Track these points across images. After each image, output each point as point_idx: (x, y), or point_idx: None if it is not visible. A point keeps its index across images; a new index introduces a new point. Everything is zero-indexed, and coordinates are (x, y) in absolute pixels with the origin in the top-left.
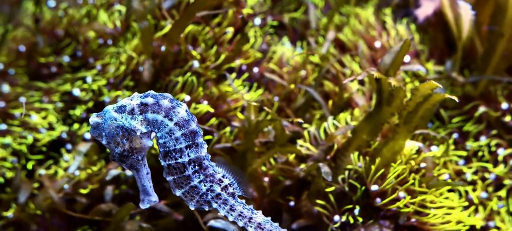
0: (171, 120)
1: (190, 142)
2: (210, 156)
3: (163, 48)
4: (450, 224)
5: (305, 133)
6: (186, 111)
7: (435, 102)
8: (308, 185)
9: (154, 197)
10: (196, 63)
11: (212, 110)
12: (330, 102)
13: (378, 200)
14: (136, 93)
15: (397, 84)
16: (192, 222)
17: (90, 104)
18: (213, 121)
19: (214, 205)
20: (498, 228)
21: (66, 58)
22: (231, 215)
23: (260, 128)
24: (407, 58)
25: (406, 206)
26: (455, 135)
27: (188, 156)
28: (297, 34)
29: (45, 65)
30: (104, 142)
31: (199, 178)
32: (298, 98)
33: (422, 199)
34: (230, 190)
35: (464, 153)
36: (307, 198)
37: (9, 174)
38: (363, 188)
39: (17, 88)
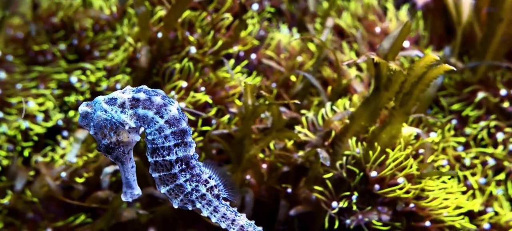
0: (162, 117)
1: (179, 141)
2: (198, 156)
3: (160, 34)
4: (448, 209)
5: (303, 119)
6: (178, 109)
7: (430, 80)
8: (306, 171)
9: (137, 191)
10: (193, 49)
11: (210, 101)
12: (329, 88)
13: (376, 186)
14: (128, 87)
15: (397, 68)
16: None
17: (87, 94)
18: (213, 111)
19: (198, 205)
20: (496, 213)
21: (62, 46)
22: (215, 216)
23: (258, 113)
24: (406, 44)
25: (405, 192)
26: (454, 121)
27: (176, 154)
28: (295, 20)
29: (41, 52)
30: (91, 132)
31: (185, 177)
32: (296, 84)
33: (421, 186)
34: (216, 191)
35: (462, 139)
36: (305, 184)
37: (5, 162)
38: (362, 173)
39: (15, 75)
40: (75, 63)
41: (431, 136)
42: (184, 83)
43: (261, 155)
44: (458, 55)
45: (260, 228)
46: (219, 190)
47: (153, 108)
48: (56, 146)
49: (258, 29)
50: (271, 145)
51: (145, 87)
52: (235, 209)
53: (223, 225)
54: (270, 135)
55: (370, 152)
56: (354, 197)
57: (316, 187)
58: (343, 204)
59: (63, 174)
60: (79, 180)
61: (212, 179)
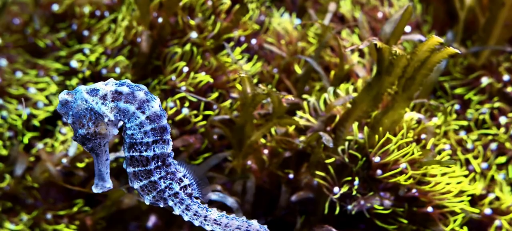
0: (143, 112)
1: (158, 137)
2: (173, 154)
3: (160, 19)
4: (451, 194)
5: (305, 104)
6: (159, 106)
7: (433, 65)
8: (307, 157)
9: (109, 184)
10: (194, 34)
11: (211, 80)
12: (331, 73)
13: (379, 172)
14: (111, 79)
15: (400, 52)
16: None
17: (87, 73)
18: (215, 95)
19: (170, 203)
20: (497, 198)
21: (62, 34)
22: (187, 214)
23: (257, 101)
24: (407, 29)
25: (408, 177)
26: (457, 106)
27: (154, 151)
28: (296, 5)
29: (41, 39)
30: (69, 121)
31: (160, 174)
32: (297, 69)
33: (423, 171)
34: (188, 190)
35: (465, 123)
36: (307, 169)
37: (4, 152)
38: (364, 159)
39: (16, 64)
40: (74, 46)
41: (433, 120)
42: (185, 68)
43: (262, 140)
44: (460, 41)
45: (233, 215)
46: (192, 189)
47: (135, 103)
48: (57, 132)
49: (258, 14)
50: (272, 131)
51: (128, 81)
52: (206, 205)
53: (196, 223)
54: (271, 121)
55: (376, 136)
56: (356, 183)
57: (318, 172)
58: (345, 189)
59: (64, 160)
60: (80, 165)
61: (186, 177)
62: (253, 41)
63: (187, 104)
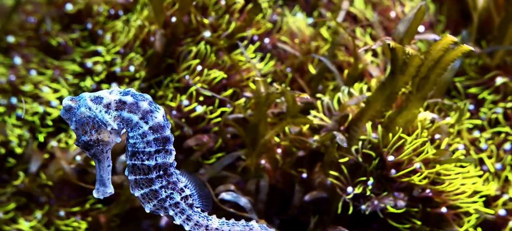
0: (146, 122)
1: (161, 147)
2: (176, 164)
3: (174, 18)
4: (465, 194)
5: (318, 104)
6: (163, 117)
7: (447, 64)
8: (321, 156)
9: (110, 189)
10: (207, 33)
11: (225, 75)
12: (345, 72)
13: (393, 171)
14: (116, 88)
15: (413, 52)
16: None
17: (103, 74)
18: (230, 92)
19: (171, 213)
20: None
21: (75, 34)
22: (188, 224)
23: (271, 100)
24: (421, 29)
25: (423, 177)
26: (470, 106)
27: (156, 160)
28: (309, 4)
29: (55, 38)
30: (72, 127)
31: (161, 183)
32: (311, 69)
33: (438, 170)
34: (190, 201)
35: (478, 122)
36: (320, 169)
37: (18, 150)
38: (378, 158)
39: (31, 64)
40: (87, 48)
41: (447, 119)
42: (199, 66)
43: (276, 139)
44: (475, 40)
45: (232, 220)
46: (193, 200)
47: (139, 113)
48: (71, 130)
49: (271, 13)
50: (286, 129)
51: (132, 90)
52: (206, 213)
53: None
54: (285, 120)
55: (390, 135)
56: (369, 183)
57: (332, 172)
58: (359, 189)
59: (78, 158)
60: (94, 164)
61: (188, 188)
62: (266, 40)
63: (201, 98)
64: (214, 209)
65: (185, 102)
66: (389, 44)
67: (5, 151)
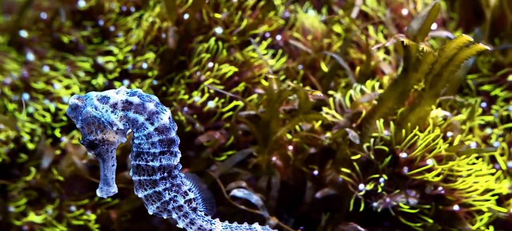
0: (152, 124)
1: (165, 149)
2: (181, 167)
3: (186, 15)
4: (477, 192)
5: (330, 101)
6: (169, 118)
7: (461, 62)
8: (332, 153)
9: (114, 188)
10: (219, 30)
11: (236, 69)
12: (356, 70)
13: (405, 169)
14: (123, 88)
15: (427, 49)
16: (215, 191)
17: (117, 71)
18: (241, 85)
19: (174, 216)
20: None
21: (87, 31)
22: (191, 228)
23: (283, 97)
24: (433, 26)
25: (436, 175)
26: (483, 104)
27: (160, 161)
28: (320, 2)
29: (67, 34)
30: (78, 125)
31: (165, 185)
32: (323, 66)
33: (451, 167)
34: (193, 204)
35: (491, 118)
36: (332, 166)
37: (31, 146)
38: (390, 156)
39: (45, 60)
40: (99, 45)
41: (459, 116)
42: (210, 63)
43: (288, 136)
44: (488, 38)
45: (235, 223)
46: (196, 204)
47: (145, 114)
48: None
49: (283, 10)
50: (297, 127)
51: (139, 91)
52: (209, 217)
53: None
54: (297, 117)
55: (403, 131)
56: (381, 180)
57: (344, 169)
58: (370, 186)
59: (90, 153)
60: None
61: (192, 191)
62: (278, 37)
63: (211, 91)
64: (226, 206)
65: (196, 98)
66: (402, 42)
67: (16, 146)
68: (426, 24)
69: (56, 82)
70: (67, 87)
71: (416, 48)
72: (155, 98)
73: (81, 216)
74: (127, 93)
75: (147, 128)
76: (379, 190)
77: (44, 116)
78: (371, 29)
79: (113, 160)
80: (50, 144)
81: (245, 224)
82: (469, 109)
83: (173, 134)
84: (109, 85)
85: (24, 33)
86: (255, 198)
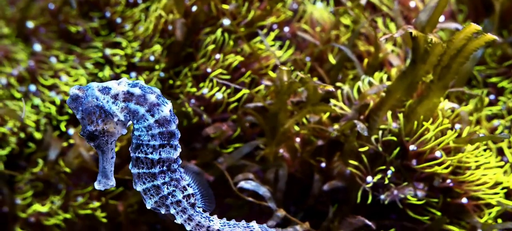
0: (152, 115)
1: (165, 142)
2: (181, 161)
3: (194, 7)
4: (486, 185)
5: (338, 93)
6: (170, 111)
7: (470, 53)
8: (340, 145)
9: (112, 182)
10: (226, 21)
11: (241, 58)
12: (364, 62)
13: (414, 161)
14: (124, 79)
15: (436, 40)
16: (222, 183)
17: (124, 65)
18: (248, 74)
19: (172, 211)
20: None
21: (95, 24)
22: (189, 224)
23: (293, 89)
24: (441, 19)
25: (445, 167)
26: (491, 97)
27: (160, 154)
28: None
29: (74, 25)
30: (78, 116)
31: (164, 179)
32: (330, 58)
33: (459, 159)
34: (192, 200)
35: (498, 108)
36: (340, 158)
37: (38, 135)
38: (398, 148)
39: (52, 51)
40: (107, 37)
41: (467, 106)
42: (217, 55)
43: (296, 128)
44: (496, 30)
45: (233, 221)
46: (195, 199)
47: (146, 106)
48: None
49: (291, 2)
50: (305, 119)
51: (141, 82)
52: (207, 214)
53: None
54: (305, 108)
55: (415, 123)
56: (389, 172)
57: (351, 161)
58: (378, 177)
59: None
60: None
61: (190, 187)
62: (286, 29)
63: (218, 85)
64: (233, 198)
65: (204, 90)
66: (411, 33)
67: (24, 137)
68: (434, 15)
69: (63, 74)
70: (75, 80)
71: (424, 39)
72: (157, 90)
73: (87, 205)
74: (129, 84)
75: (147, 120)
76: (387, 182)
77: (49, 108)
78: (379, 21)
79: (112, 152)
80: (57, 135)
81: (243, 222)
82: (476, 99)
83: (173, 127)
84: (116, 78)
85: (30, 24)
86: (263, 190)
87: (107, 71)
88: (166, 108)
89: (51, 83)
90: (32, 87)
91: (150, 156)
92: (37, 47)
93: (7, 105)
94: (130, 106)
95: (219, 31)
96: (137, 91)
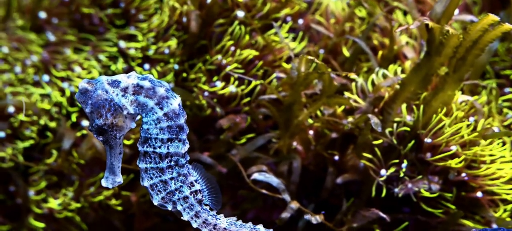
0: (161, 108)
1: (174, 136)
2: (189, 157)
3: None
4: (502, 180)
5: (352, 85)
6: (179, 105)
7: (486, 45)
8: (353, 139)
9: (119, 178)
10: (240, 13)
11: (256, 53)
12: (379, 54)
13: (429, 155)
14: (133, 73)
15: (452, 31)
16: (235, 175)
17: (139, 57)
18: (259, 65)
19: (179, 207)
20: None
21: (109, 11)
22: (196, 221)
23: (309, 80)
24: (456, 12)
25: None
26: (506, 89)
27: (168, 148)
28: None
29: (87, 16)
30: (87, 110)
31: (171, 174)
32: (344, 50)
33: (474, 152)
34: (199, 196)
35: (510, 96)
36: (353, 151)
37: (52, 124)
38: (413, 141)
39: (65, 41)
40: (121, 28)
41: (481, 98)
42: (232, 48)
43: (310, 120)
44: None
45: (240, 221)
46: (202, 196)
47: (155, 99)
48: None
49: None
50: (318, 112)
51: (150, 76)
52: (214, 212)
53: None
54: (320, 100)
55: (433, 116)
56: (403, 165)
57: (365, 154)
58: (392, 170)
59: None
60: (126, 142)
61: (198, 183)
62: (300, 21)
63: (235, 84)
64: (246, 190)
65: (218, 84)
66: (426, 25)
67: (39, 127)
68: (450, 7)
69: (76, 66)
70: (89, 73)
71: (440, 31)
72: (166, 84)
73: (100, 193)
74: (138, 77)
75: (156, 113)
76: (401, 175)
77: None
78: (395, 14)
79: (120, 148)
80: (70, 126)
81: (250, 224)
82: (489, 91)
83: (182, 121)
84: (129, 70)
85: (43, 15)
86: (277, 182)
87: (120, 64)
88: (175, 101)
89: (65, 75)
90: (46, 78)
91: (158, 150)
92: (51, 37)
93: (23, 97)
94: (140, 99)
95: (236, 24)
96: (146, 84)
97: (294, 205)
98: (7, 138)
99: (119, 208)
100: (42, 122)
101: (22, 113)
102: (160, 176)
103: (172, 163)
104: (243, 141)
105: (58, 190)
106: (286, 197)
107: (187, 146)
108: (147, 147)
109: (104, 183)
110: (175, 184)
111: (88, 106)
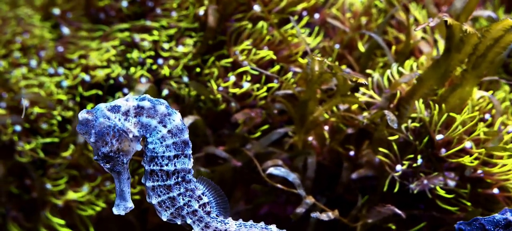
0: (165, 126)
1: (180, 152)
2: (193, 171)
3: None
4: None
5: (369, 80)
6: (181, 120)
7: (507, 44)
8: (368, 134)
9: (130, 204)
10: (257, 7)
11: (274, 57)
12: (393, 49)
13: (443, 150)
14: (130, 95)
15: (471, 30)
16: (250, 169)
17: (150, 52)
18: (276, 68)
19: (189, 221)
20: None
21: (124, 3)
22: None
23: (323, 79)
24: None
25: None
26: None
27: (175, 165)
28: None
29: (103, 9)
30: (91, 140)
31: (179, 190)
32: (359, 46)
33: (489, 151)
34: (207, 208)
35: None
36: (369, 147)
37: (69, 113)
38: (428, 137)
39: (80, 32)
40: (137, 20)
41: (500, 94)
42: (248, 42)
43: (326, 115)
44: None
45: (250, 222)
46: (210, 207)
47: (157, 117)
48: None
49: None
50: (334, 108)
51: (148, 96)
52: (222, 217)
53: None
54: (335, 98)
55: (445, 114)
56: (419, 161)
57: (381, 149)
58: (406, 165)
59: None
60: None
61: (205, 195)
62: (316, 15)
63: (249, 78)
64: (260, 184)
65: (232, 77)
66: (446, 21)
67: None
68: (470, 3)
69: (92, 53)
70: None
71: (459, 28)
72: (164, 101)
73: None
74: (137, 99)
75: (160, 131)
76: (418, 169)
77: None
78: (413, 6)
79: (127, 173)
80: None
81: (262, 223)
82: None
83: (186, 136)
84: (143, 62)
85: (56, 11)
86: (293, 177)
87: (135, 54)
88: (177, 117)
89: (79, 63)
90: (61, 70)
91: (165, 168)
92: (65, 30)
93: (38, 91)
94: (142, 120)
95: (260, 23)
96: (146, 104)
97: (309, 200)
98: (23, 132)
99: (137, 197)
100: (56, 113)
101: (29, 110)
102: (168, 193)
103: (179, 179)
104: (258, 134)
105: (73, 185)
106: (301, 192)
107: (192, 160)
108: (153, 166)
109: (115, 211)
110: (183, 199)
111: (92, 136)
